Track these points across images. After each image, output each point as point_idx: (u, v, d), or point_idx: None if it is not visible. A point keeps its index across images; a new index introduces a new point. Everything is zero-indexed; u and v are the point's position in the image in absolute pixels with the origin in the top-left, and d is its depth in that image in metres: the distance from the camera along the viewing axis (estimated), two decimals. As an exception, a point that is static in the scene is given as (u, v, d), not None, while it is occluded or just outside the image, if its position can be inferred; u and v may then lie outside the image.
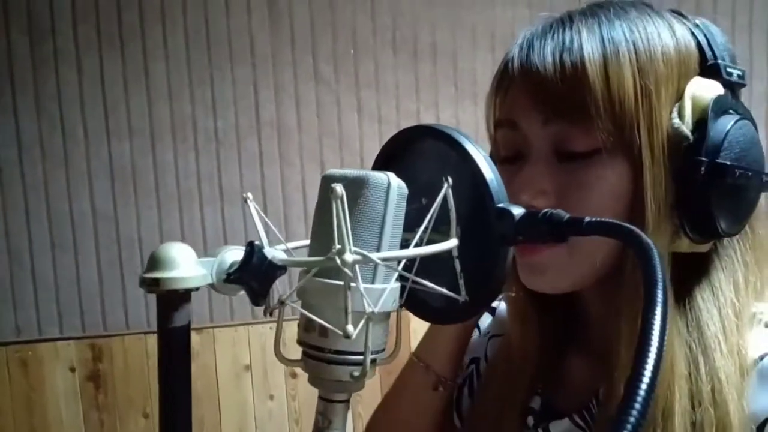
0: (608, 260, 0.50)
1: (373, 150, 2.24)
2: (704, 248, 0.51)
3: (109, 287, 1.96)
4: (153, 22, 1.95)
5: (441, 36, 2.12)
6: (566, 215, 0.36)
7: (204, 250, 1.97)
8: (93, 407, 1.97)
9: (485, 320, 0.71)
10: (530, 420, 0.58)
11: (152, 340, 1.97)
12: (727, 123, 0.47)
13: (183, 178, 2.00)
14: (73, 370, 1.95)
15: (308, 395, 2.04)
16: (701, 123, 0.47)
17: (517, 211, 0.39)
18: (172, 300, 0.32)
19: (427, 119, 2.11)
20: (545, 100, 0.48)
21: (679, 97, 0.48)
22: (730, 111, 0.48)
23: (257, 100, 2.03)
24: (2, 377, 1.91)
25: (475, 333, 0.71)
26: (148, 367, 1.98)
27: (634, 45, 0.48)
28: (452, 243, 0.40)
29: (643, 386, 0.22)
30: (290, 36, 2.04)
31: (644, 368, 0.22)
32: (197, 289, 0.33)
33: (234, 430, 2.04)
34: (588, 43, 0.47)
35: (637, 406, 0.21)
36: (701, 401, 0.47)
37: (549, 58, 0.48)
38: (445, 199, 0.40)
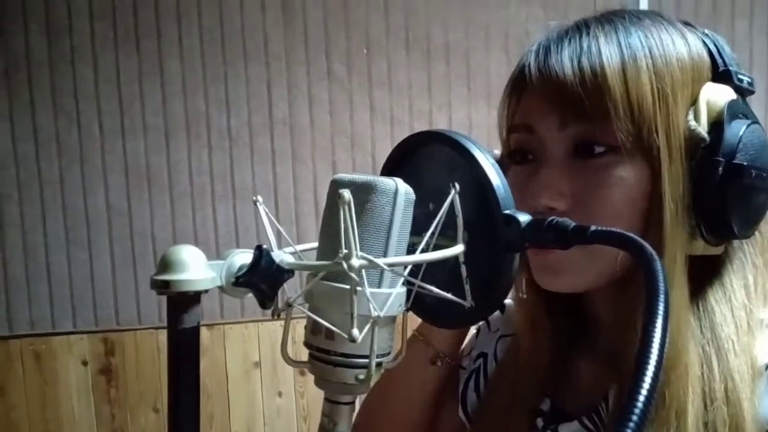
0: (625, 260, 0.50)
1: (385, 149, 2.24)
2: (717, 251, 0.51)
3: (121, 282, 1.99)
4: (168, 21, 1.97)
5: (454, 35, 2.12)
6: (572, 223, 0.37)
7: (216, 246, 1.99)
8: (104, 401, 1.99)
9: (495, 315, 0.72)
10: (539, 422, 0.59)
11: (163, 336, 1.98)
12: (741, 126, 0.48)
13: (196, 174, 2.01)
14: (85, 363, 1.98)
15: (317, 392, 2.02)
16: (716, 126, 0.48)
17: (524, 218, 0.40)
18: (182, 302, 0.33)
19: (440, 119, 2.11)
20: (564, 104, 0.49)
21: (694, 101, 0.50)
22: (743, 115, 0.50)
23: (270, 98, 2.04)
24: (16, 370, 1.94)
25: (484, 327, 0.72)
26: (159, 361, 2.00)
27: (650, 50, 0.49)
28: (458, 249, 0.40)
29: (641, 399, 0.22)
30: (304, 35, 2.05)
31: (642, 381, 0.23)
32: (206, 291, 0.33)
33: (243, 426, 2.06)
34: (606, 48, 0.49)
35: (635, 418, 0.21)
36: (714, 400, 0.47)
37: (567, 63, 0.49)
38: (452, 204, 0.40)
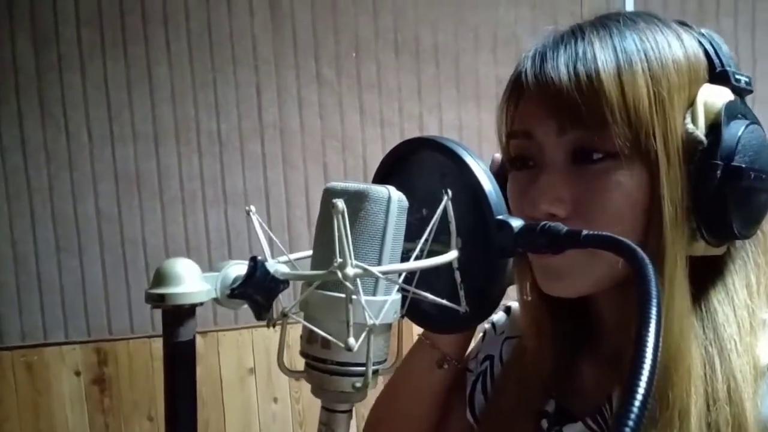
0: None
1: (376, 152, 2.24)
2: (719, 251, 0.51)
3: (113, 291, 1.97)
4: (156, 26, 1.96)
5: (443, 37, 2.12)
6: (564, 228, 0.37)
7: (208, 252, 1.98)
8: (98, 411, 1.98)
9: (500, 318, 0.72)
10: (544, 423, 0.59)
11: (157, 344, 1.98)
12: (739, 127, 0.48)
13: (187, 180, 2.01)
14: (78, 374, 1.96)
15: (312, 397, 2.02)
16: (714, 128, 0.48)
17: (516, 223, 0.40)
18: (178, 315, 0.33)
19: (430, 121, 2.12)
20: (561, 110, 0.49)
21: (691, 103, 0.49)
22: (741, 116, 0.50)
23: (260, 102, 2.03)
24: (8, 381, 1.92)
25: (490, 330, 0.72)
26: (152, 370, 1.99)
27: (645, 54, 0.49)
28: (452, 255, 0.40)
29: (635, 407, 0.22)
30: (293, 38, 2.05)
31: (637, 387, 0.23)
32: (202, 304, 0.33)
33: (238, 432, 2.06)
34: (601, 53, 0.48)
35: (631, 423, 0.22)
36: (717, 400, 0.47)
37: (563, 69, 0.49)
38: (445, 210, 0.40)
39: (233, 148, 2.03)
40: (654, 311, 0.26)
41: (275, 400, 2.07)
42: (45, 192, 1.93)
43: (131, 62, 1.96)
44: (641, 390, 0.23)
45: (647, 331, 0.25)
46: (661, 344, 0.25)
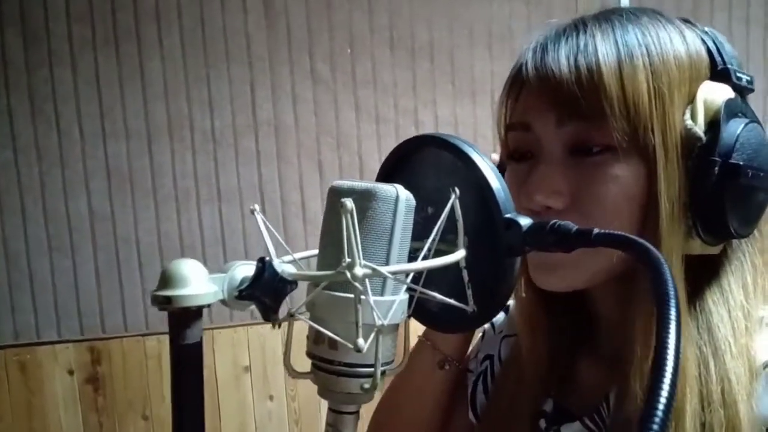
0: (623, 257, 0.49)
1: (371, 148, 2.24)
2: (715, 250, 0.51)
3: (106, 289, 1.96)
4: (148, 22, 1.94)
5: (438, 33, 2.12)
6: (574, 227, 0.36)
7: (202, 250, 1.96)
8: (92, 410, 1.96)
9: (499, 316, 0.72)
10: (542, 422, 0.59)
11: (151, 343, 1.96)
12: (738, 125, 0.48)
13: (180, 178, 1.99)
14: (71, 373, 1.95)
15: (308, 396, 2.03)
16: (713, 125, 0.48)
17: (525, 221, 0.39)
18: (184, 317, 0.32)
19: (425, 117, 2.11)
20: (560, 102, 0.49)
21: (691, 99, 0.49)
22: (741, 114, 0.49)
23: (254, 99, 2.02)
24: (1, 381, 1.90)
25: (489, 329, 0.72)
26: (146, 368, 1.97)
27: (647, 49, 0.49)
28: (460, 254, 0.40)
29: (660, 407, 0.22)
30: (287, 34, 2.03)
31: (661, 389, 0.22)
32: (209, 305, 0.33)
33: (234, 431, 2.05)
34: (602, 46, 0.48)
35: (655, 427, 0.21)
36: (711, 402, 0.47)
37: (564, 61, 0.48)
38: (452, 209, 0.40)
39: (227, 145, 2.01)
40: (674, 312, 0.26)
41: (271, 398, 2.06)
42: (36, 189, 1.91)
43: (123, 58, 1.93)
44: (665, 393, 0.23)
45: (668, 333, 0.25)
46: (682, 346, 0.25)
